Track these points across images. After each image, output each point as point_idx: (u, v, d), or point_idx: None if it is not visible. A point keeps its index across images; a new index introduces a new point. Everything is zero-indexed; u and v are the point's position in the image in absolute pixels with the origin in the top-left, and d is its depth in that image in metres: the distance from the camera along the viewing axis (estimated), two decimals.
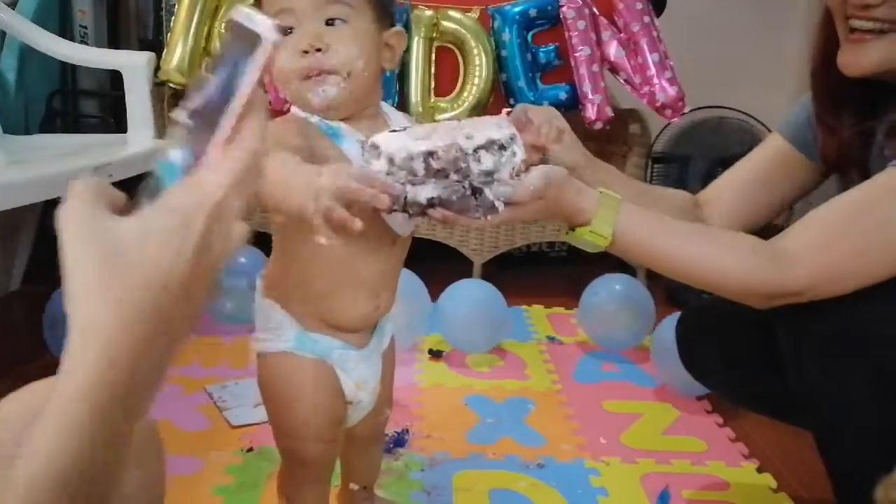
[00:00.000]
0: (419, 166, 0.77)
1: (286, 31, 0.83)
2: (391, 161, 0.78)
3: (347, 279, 0.93)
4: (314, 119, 0.89)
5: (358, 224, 0.73)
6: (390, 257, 0.97)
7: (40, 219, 2.41)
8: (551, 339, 2.16)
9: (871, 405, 0.97)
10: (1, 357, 1.57)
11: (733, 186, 1.22)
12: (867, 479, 0.78)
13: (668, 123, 2.80)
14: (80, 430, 0.43)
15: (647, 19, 2.46)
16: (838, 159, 1.10)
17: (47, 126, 2.48)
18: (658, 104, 2.46)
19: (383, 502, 1.25)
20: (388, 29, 0.91)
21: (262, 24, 0.45)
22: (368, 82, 0.89)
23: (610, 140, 2.60)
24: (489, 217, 0.81)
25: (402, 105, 2.46)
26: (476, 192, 0.79)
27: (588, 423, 1.65)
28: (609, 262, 2.38)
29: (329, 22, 0.85)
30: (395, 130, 0.83)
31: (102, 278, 0.43)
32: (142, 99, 2.26)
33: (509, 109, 0.92)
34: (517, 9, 2.43)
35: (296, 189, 0.75)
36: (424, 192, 0.78)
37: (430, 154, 0.77)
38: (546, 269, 2.88)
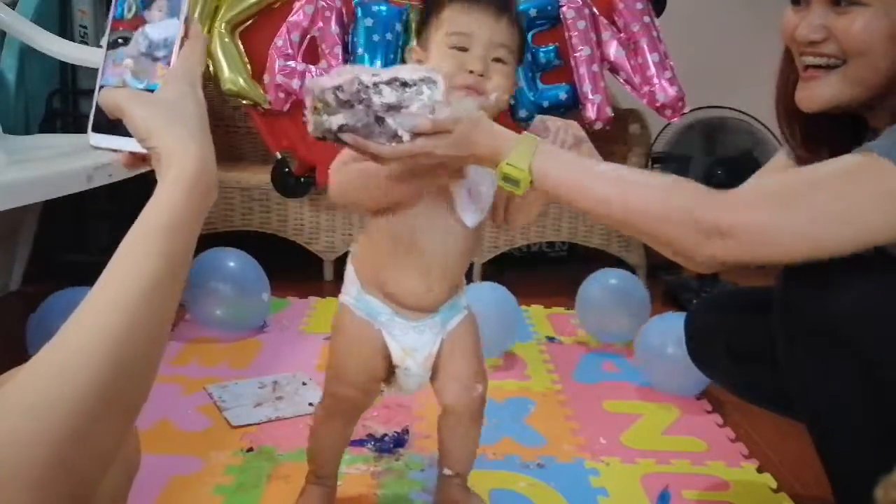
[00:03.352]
0: (330, 98, 0.92)
1: (463, 49, 1.03)
2: (314, 97, 0.93)
3: (407, 256, 1.10)
4: None
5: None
6: (455, 247, 1.11)
7: (40, 219, 2.41)
8: (551, 339, 2.16)
9: (865, 405, 0.97)
10: (1, 357, 1.57)
11: None
12: (864, 478, 0.78)
13: (668, 123, 2.80)
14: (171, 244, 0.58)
15: (647, 19, 2.46)
16: None
17: (47, 126, 2.48)
18: (658, 104, 2.46)
19: (477, 498, 1.28)
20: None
21: None
22: (498, 108, 1.07)
23: (610, 140, 2.60)
24: (394, 143, 0.93)
25: None
26: (379, 120, 0.92)
27: (588, 423, 1.65)
28: (608, 263, 2.39)
29: (495, 59, 1.04)
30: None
31: (177, 125, 0.62)
32: None
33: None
34: (517, 8, 2.43)
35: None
36: (336, 120, 0.93)
37: (338, 88, 0.92)
38: (546, 269, 2.88)
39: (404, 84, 0.91)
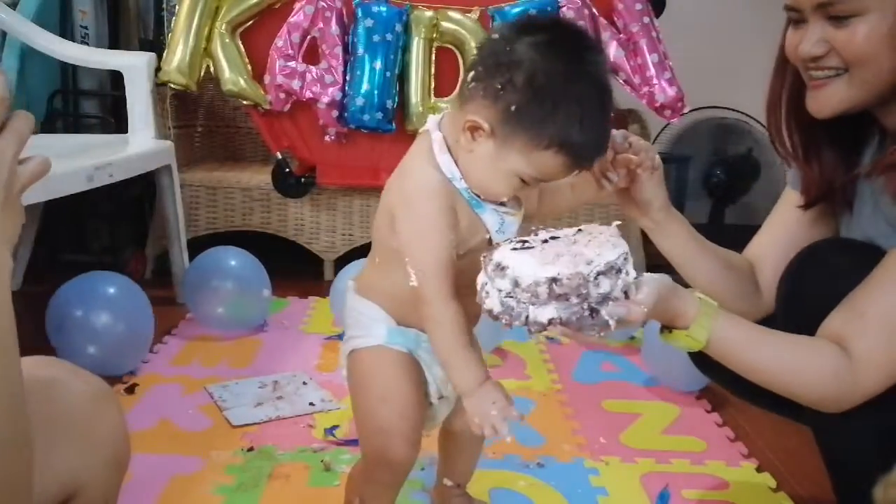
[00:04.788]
0: (543, 291, 0.82)
1: (527, 184, 0.95)
2: (516, 283, 0.83)
3: (463, 291, 0.96)
4: (460, 185, 0.96)
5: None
6: None
7: (41, 219, 2.41)
8: (551, 339, 2.16)
9: (869, 404, 0.97)
10: None
11: (772, 251, 1.21)
12: (867, 478, 0.79)
13: (668, 124, 2.81)
14: None
15: (646, 20, 2.47)
16: (818, 194, 1.12)
17: (48, 126, 2.49)
18: (657, 104, 2.46)
19: (475, 502, 1.26)
20: None
21: None
22: None
23: None
24: (602, 334, 0.86)
25: (402, 105, 2.46)
26: (593, 312, 0.84)
27: (588, 422, 1.66)
28: None
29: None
30: (515, 248, 0.87)
31: None
32: (142, 99, 2.27)
33: (619, 223, 0.93)
34: (517, 9, 2.44)
35: (453, 370, 0.97)
36: (546, 313, 0.83)
37: (554, 280, 0.82)
38: None
39: (618, 270, 0.84)
